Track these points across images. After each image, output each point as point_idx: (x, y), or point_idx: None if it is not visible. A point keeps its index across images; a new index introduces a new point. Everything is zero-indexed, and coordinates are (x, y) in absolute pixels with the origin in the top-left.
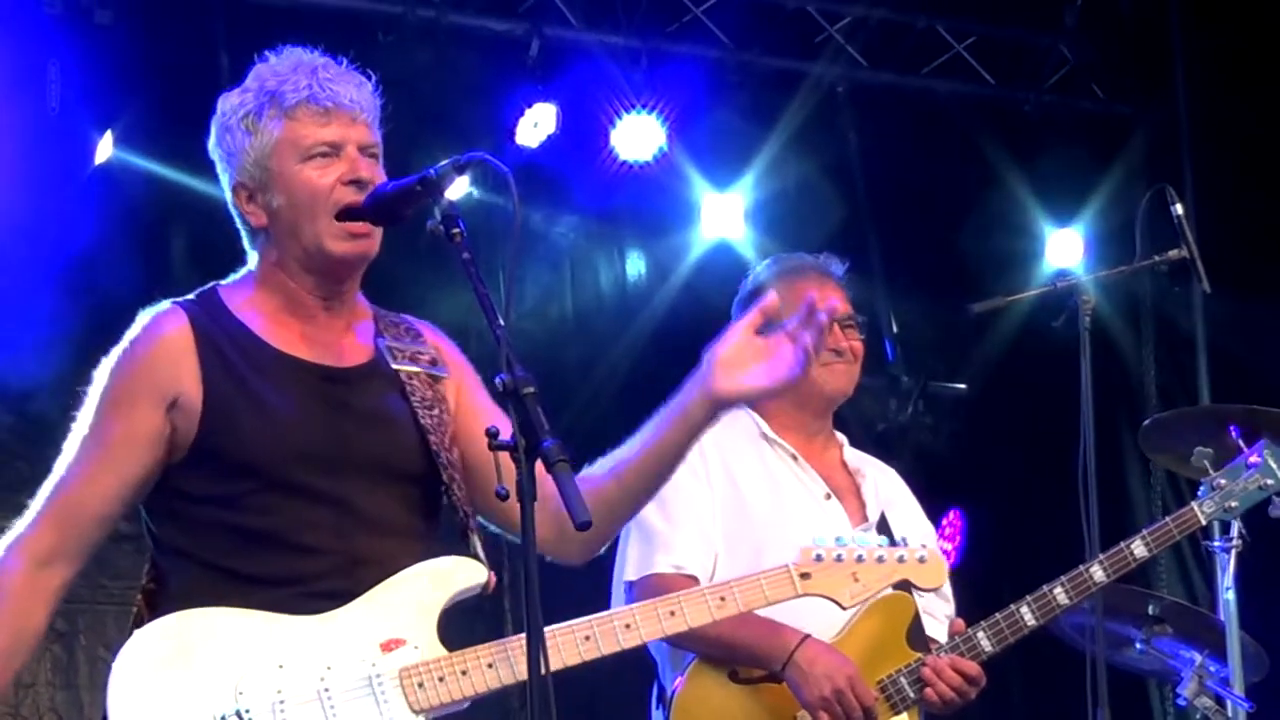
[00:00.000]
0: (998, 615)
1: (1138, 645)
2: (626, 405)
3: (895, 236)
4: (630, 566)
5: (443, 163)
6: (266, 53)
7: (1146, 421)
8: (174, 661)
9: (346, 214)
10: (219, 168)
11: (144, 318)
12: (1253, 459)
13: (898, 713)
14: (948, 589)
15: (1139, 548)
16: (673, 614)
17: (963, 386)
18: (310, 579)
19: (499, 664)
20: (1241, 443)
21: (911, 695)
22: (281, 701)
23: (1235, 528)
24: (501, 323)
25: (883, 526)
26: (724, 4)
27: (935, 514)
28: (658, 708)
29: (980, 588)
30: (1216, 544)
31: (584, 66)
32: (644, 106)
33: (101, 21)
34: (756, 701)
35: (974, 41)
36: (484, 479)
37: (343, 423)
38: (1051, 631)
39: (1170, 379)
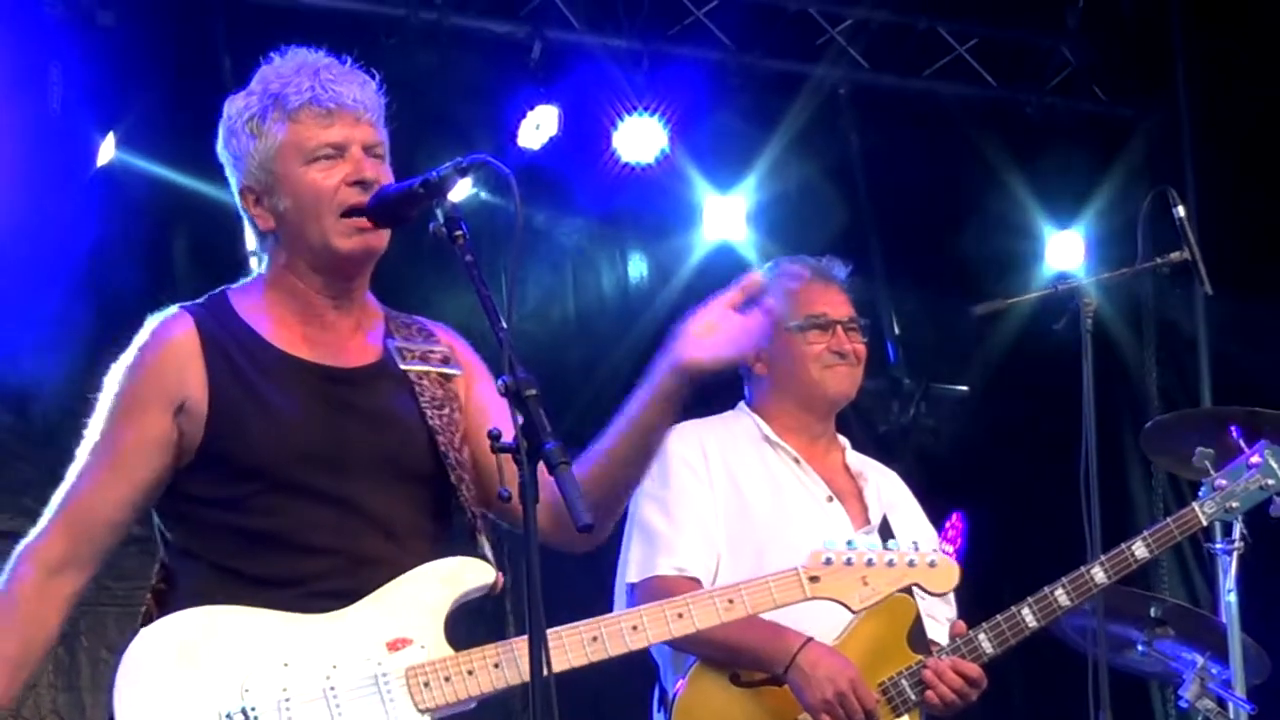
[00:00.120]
0: (999, 617)
1: (1139, 647)
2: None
3: (897, 238)
4: (632, 568)
5: (445, 165)
6: (271, 54)
7: (1148, 423)
8: (180, 659)
9: (351, 214)
10: (227, 171)
11: (151, 323)
12: (1254, 459)
13: (899, 715)
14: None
15: (1140, 549)
16: (680, 616)
17: (964, 388)
18: (315, 579)
19: (505, 664)
20: (1242, 444)
21: (913, 697)
22: (287, 700)
23: (1237, 530)
24: (504, 325)
25: (884, 530)
26: (725, 6)
27: (936, 516)
28: (659, 710)
29: (981, 589)
30: (1218, 546)
31: (586, 68)
32: (646, 108)
33: (103, 23)
34: (758, 704)
35: (975, 43)
36: (491, 477)
37: (347, 424)
38: (1053, 633)
39: (1171, 380)
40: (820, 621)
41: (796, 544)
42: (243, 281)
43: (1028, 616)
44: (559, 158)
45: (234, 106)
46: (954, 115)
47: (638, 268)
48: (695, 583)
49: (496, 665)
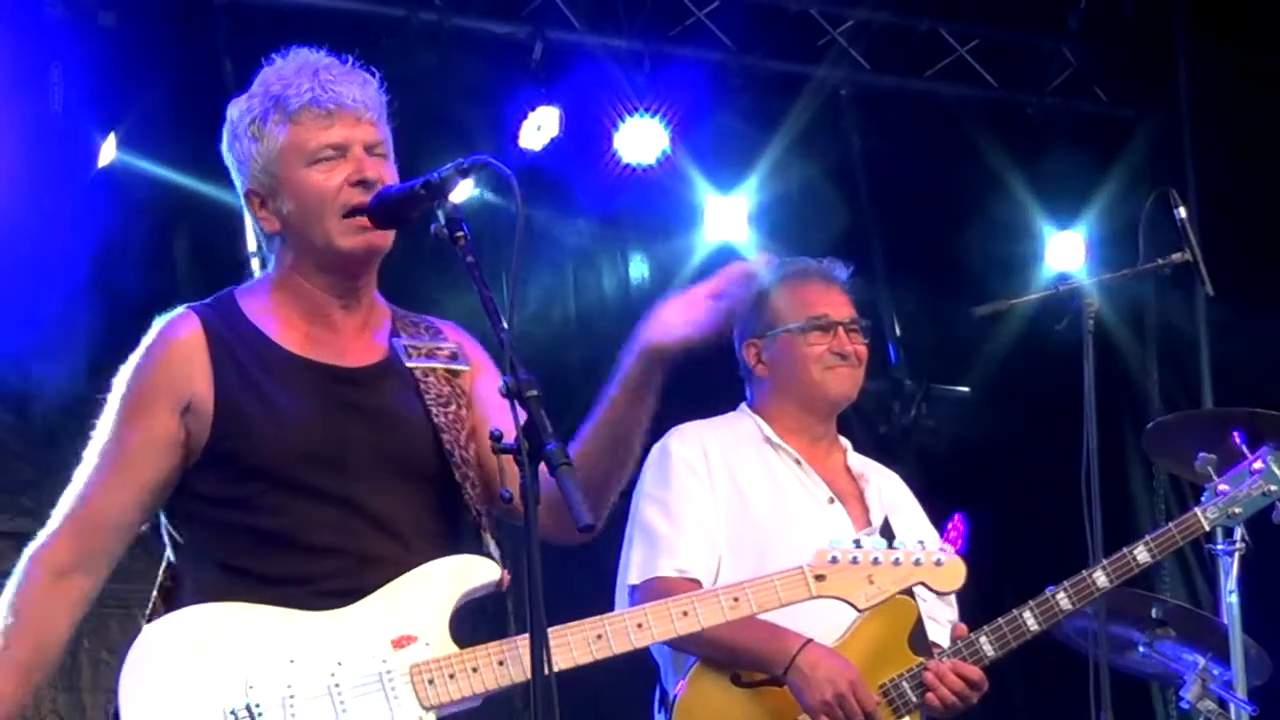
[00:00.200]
0: (1000, 620)
1: (1140, 648)
2: None
3: (898, 239)
4: (634, 570)
5: (446, 166)
6: (272, 54)
7: (1149, 425)
8: (185, 655)
9: (354, 214)
10: (232, 174)
11: (158, 324)
12: (1256, 465)
13: (900, 717)
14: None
15: (1142, 553)
16: (685, 614)
17: (965, 390)
18: (319, 579)
19: (510, 661)
20: (1244, 447)
21: (913, 699)
22: (292, 696)
23: (1238, 532)
24: (505, 326)
25: (886, 531)
26: (727, 7)
27: (938, 517)
28: (660, 711)
29: (982, 592)
30: (1219, 547)
31: (587, 69)
32: (647, 109)
33: (105, 23)
34: (758, 705)
35: (977, 44)
36: (495, 476)
37: (351, 423)
38: (1054, 635)
39: (1173, 382)
40: (821, 623)
41: (798, 545)
42: (250, 282)
43: (1029, 619)
44: (560, 159)
45: (236, 110)
46: (955, 116)
47: (639, 269)
48: (696, 584)
49: (501, 663)
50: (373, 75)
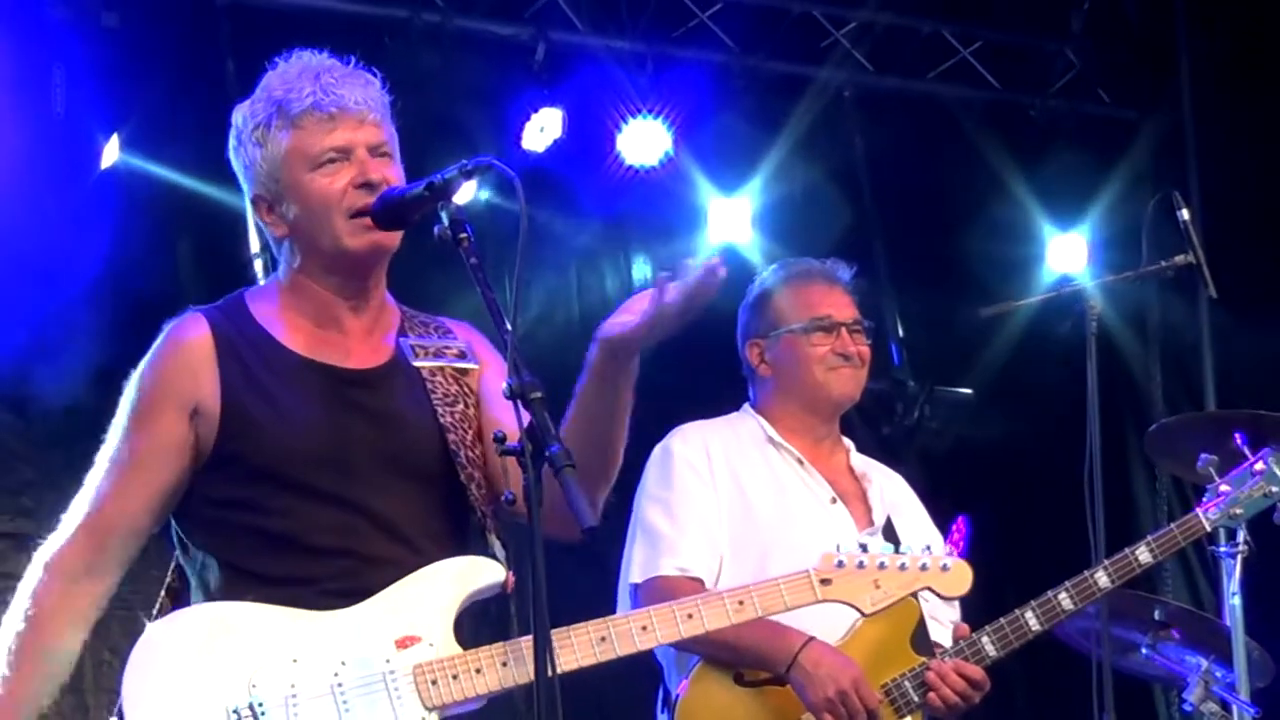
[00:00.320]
0: (1002, 620)
1: (1143, 650)
2: (632, 410)
3: (902, 241)
4: (636, 569)
5: (450, 168)
6: (275, 56)
7: (1152, 427)
8: (189, 654)
9: (359, 216)
10: (239, 179)
11: (167, 327)
12: (1258, 466)
13: (902, 717)
14: None
15: (1144, 554)
16: (690, 617)
17: (968, 391)
18: (324, 579)
19: (513, 662)
20: (1246, 449)
21: (915, 699)
22: (294, 696)
23: (1241, 534)
24: (509, 327)
25: (888, 532)
26: (730, 8)
27: (940, 518)
28: (663, 711)
29: (985, 592)
30: (1222, 549)
31: (590, 71)
32: (650, 111)
33: (108, 24)
34: (761, 704)
35: (980, 46)
36: (500, 477)
37: (356, 425)
38: (1056, 636)
39: (1175, 384)
40: (823, 622)
41: (800, 545)
42: (260, 285)
43: (1031, 620)
44: (563, 160)
45: (240, 115)
46: (958, 118)
47: (642, 270)
48: (698, 583)
49: (504, 664)
50: (375, 76)
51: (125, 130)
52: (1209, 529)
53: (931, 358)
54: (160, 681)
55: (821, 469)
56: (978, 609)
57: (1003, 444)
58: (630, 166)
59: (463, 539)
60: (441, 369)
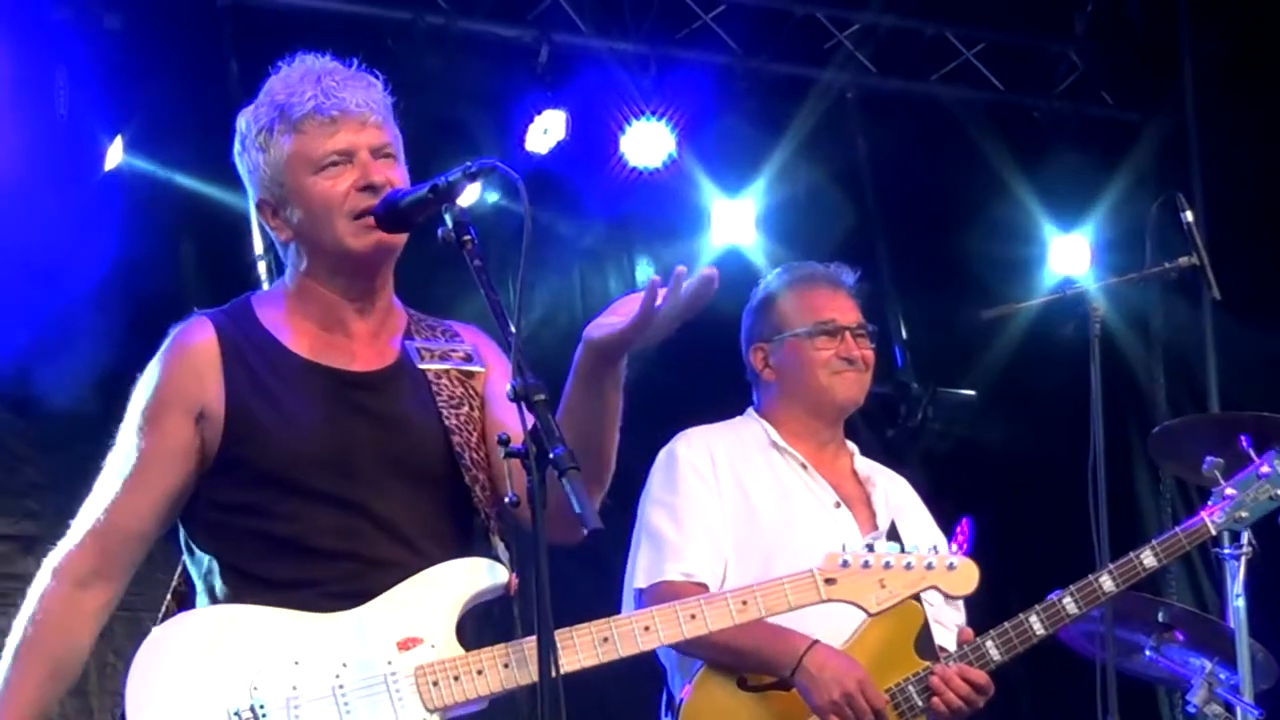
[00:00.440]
0: (1006, 624)
1: (1147, 652)
2: (636, 412)
3: (905, 242)
4: (640, 574)
5: (454, 170)
6: (278, 58)
7: (1156, 429)
8: (191, 656)
9: (362, 218)
10: (245, 183)
11: (174, 332)
12: (1264, 469)
13: None
14: None
15: (1148, 558)
16: (693, 617)
17: (972, 393)
18: (326, 583)
19: (515, 664)
20: (1251, 451)
21: (920, 704)
22: (296, 697)
23: (1245, 536)
24: (513, 329)
25: (892, 535)
26: (733, 10)
27: (944, 521)
28: (667, 714)
29: (989, 596)
30: (1226, 551)
31: (593, 73)
32: (653, 113)
33: (111, 26)
34: (765, 708)
35: (983, 48)
36: (504, 479)
37: (360, 428)
38: (1061, 639)
39: (1179, 386)
40: (827, 627)
41: (804, 550)
42: (267, 289)
43: (1035, 624)
44: (566, 162)
45: (243, 120)
46: (961, 120)
47: (646, 272)
48: (703, 588)
49: (506, 665)
50: (377, 78)
51: (128, 132)
52: (1214, 533)
53: (935, 359)
54: (162, 684)
55: (825, 473)
56: (981, 612)
57: (1006, 446)
58: (634, 168)
59: (467, 541)
60: (447, 371)
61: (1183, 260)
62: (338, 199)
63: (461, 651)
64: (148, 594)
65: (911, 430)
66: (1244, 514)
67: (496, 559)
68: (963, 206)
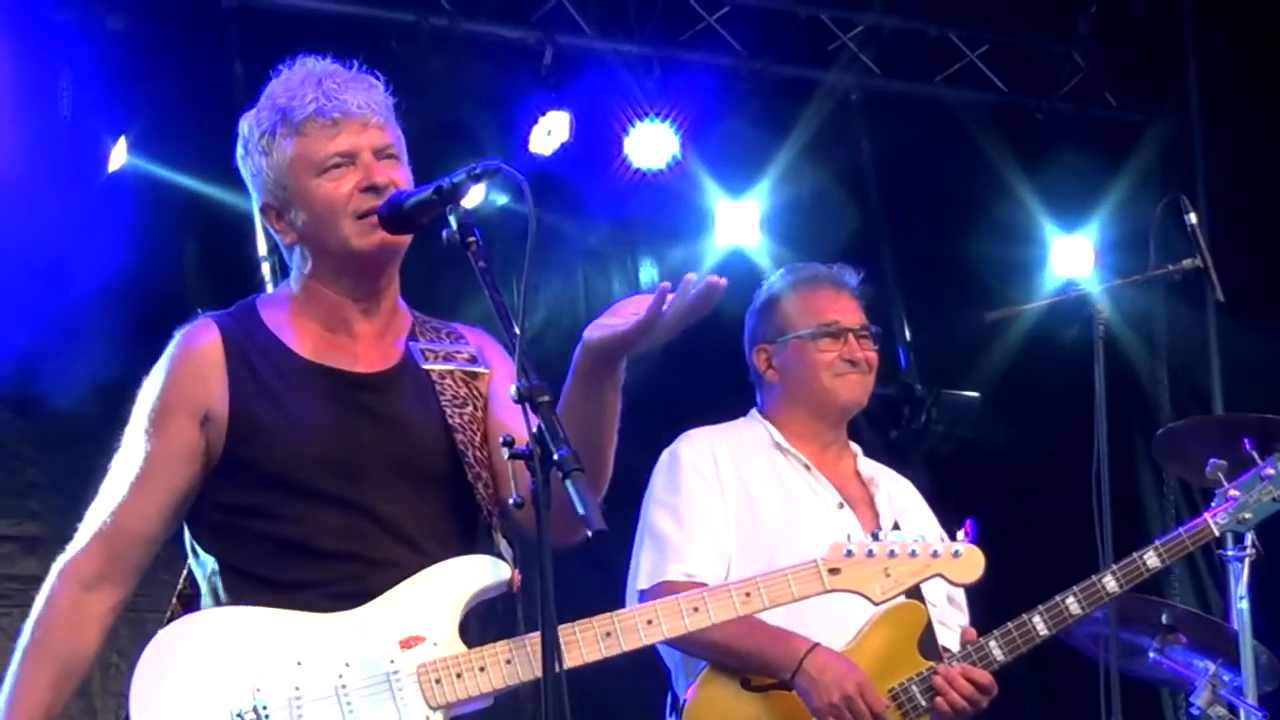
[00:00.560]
0: (1010, 624)
1: (1151, 654)
2: (639, 413)
3: (909, 244)
4: (643, 574)
5: (458, 171)
6: (281, 61)
7: (1159, 431)
8: (195, 658)
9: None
10: (249, 187)
11: (179, 334)
12: (1267, 471)
13: None
14: (962, 598)
15: (1152, 558)
16: (696, 610)
17: (975, 394)
18: (329, 583)
19: (518, 660)
20: (1255, 454)
21: (923, 703)
22: (299, 698)
23: (1249, 537)
24: (518, 331)
25: None
26: (737, 12)
27: (947, 521)
28: (671, 715)
29: (992, 597)
30: (1230, 553)
31: (597, 74)
32: (657, 114)
33: (114, 28)
34: (768, 709)
35: (987, 50)
36: (507, 480)
37: (364, 429)
38: (1064, 640)
39: (1183, 388)
40: (831, 628)
41: (807, 550)
42: (272, 291)
43: (1039, 624)
44: (570, 164)
45: (246, 124)
46: (965, 121)
47: (649, 274)
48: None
49: (509, 661)
50: (378, 79)
51: (132, 133)
52: (1218, 534)
53: (938, 361)
54: (166, 685)
55: (829, 474)
56: (985, 613)
57: (1009, 448)
58: (637, 170)
59: (470, 541)
60: (451, 372)
61: (1186, 262)
62: (341, 200)
63: (464, 649)
64: (151, 595)
65: (915, 432)
66: (1247, 515)
67: (499, 556)
68: (966, 208)
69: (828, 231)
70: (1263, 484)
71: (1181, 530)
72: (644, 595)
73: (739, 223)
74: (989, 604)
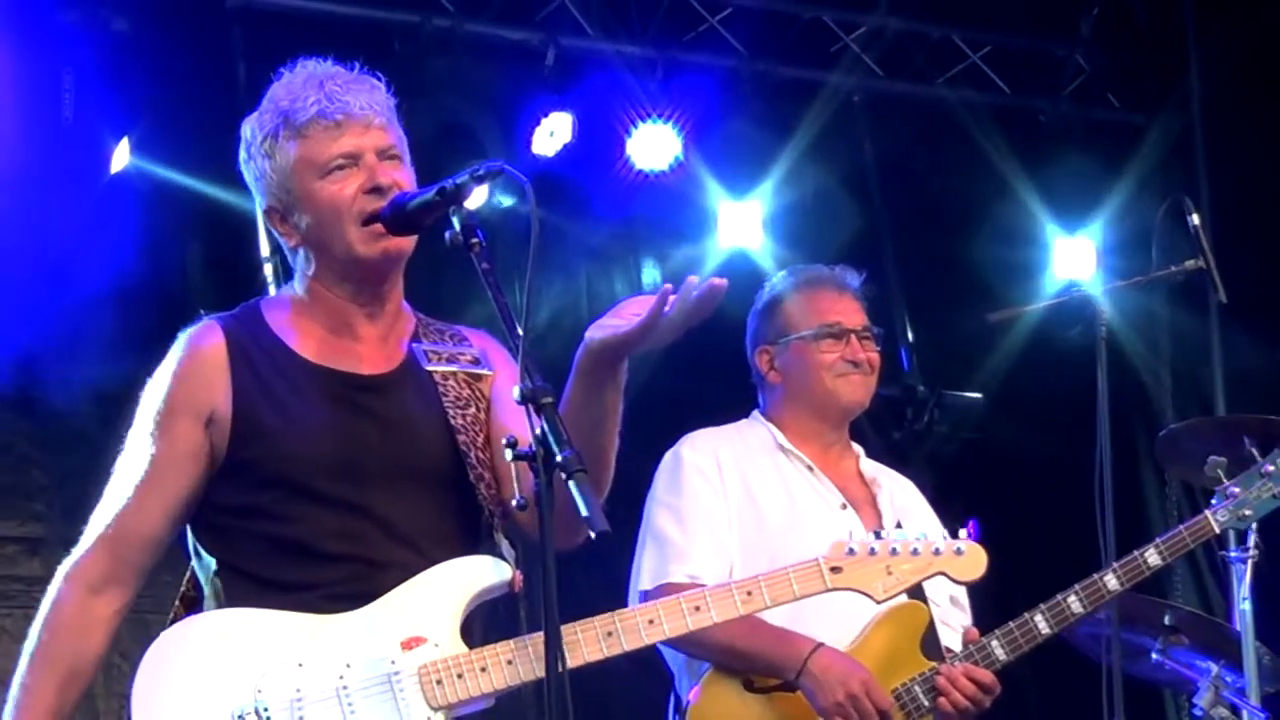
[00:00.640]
0: (1012, 624)
1: (1153, 655)
2: (642, 415)
3: (912, 245)
4: (646, 576)
5: (461, 173)
6: (284, 63)
7: (1161, 432)
8: (196, 659)
9: (371, 222)
10: (252, 191)
11: (183, 336)
12: (1267, 468)
13: None
14: (964, 598)
15: (1153, 556)
16: (698, 609)
17: (978, 395)
18: (331, 585)
19: (519, 661)
20: (1257, 454)
21: (926, 704)
22: (300, 699)
23: (1251, 538)
24: (521, 332)
25: None
26: (740, 13)
27: (950, 522)
28: (674, 717)
29: (994, 596)
30: (1232, 554)
31: (600, 76)
32: (660, 115)
33: (118, 29)
34: (772, 710)
35: (989, 51)
36: (510, 482)
37: (367, 431)
38: (1067, 641)
39: (1185, 389)
40: (834, 629)
41: (810, 551)
42: (276, 294)
43: (1041, 623)
44: (573, 165)
45: (249, 128)
46: (968, 122)
47: (652, 275)
48: None
49: (510, 662)
50: (379, 80)
51: (135, 134)
52: (1218, 530)
53: (941, 362)
54: (167, 687)
55: (831, 475)
56: (987, 612)
57: (1012, 449)
58: (640, 171)
59: (473, 542)
60: (454, 374)
61: (1189, 263)
62: (345, 203)
63: (465, 650)
64: (154, 595)
65: (917, 432)
66: (1247, 512)
67: (501, 558)
68: (969, 209)
69: (830, 233)
70: (1263, 481)
71: (1182, 527)
72: (646, 596)
73: (741, 224)
74: (991, 604)
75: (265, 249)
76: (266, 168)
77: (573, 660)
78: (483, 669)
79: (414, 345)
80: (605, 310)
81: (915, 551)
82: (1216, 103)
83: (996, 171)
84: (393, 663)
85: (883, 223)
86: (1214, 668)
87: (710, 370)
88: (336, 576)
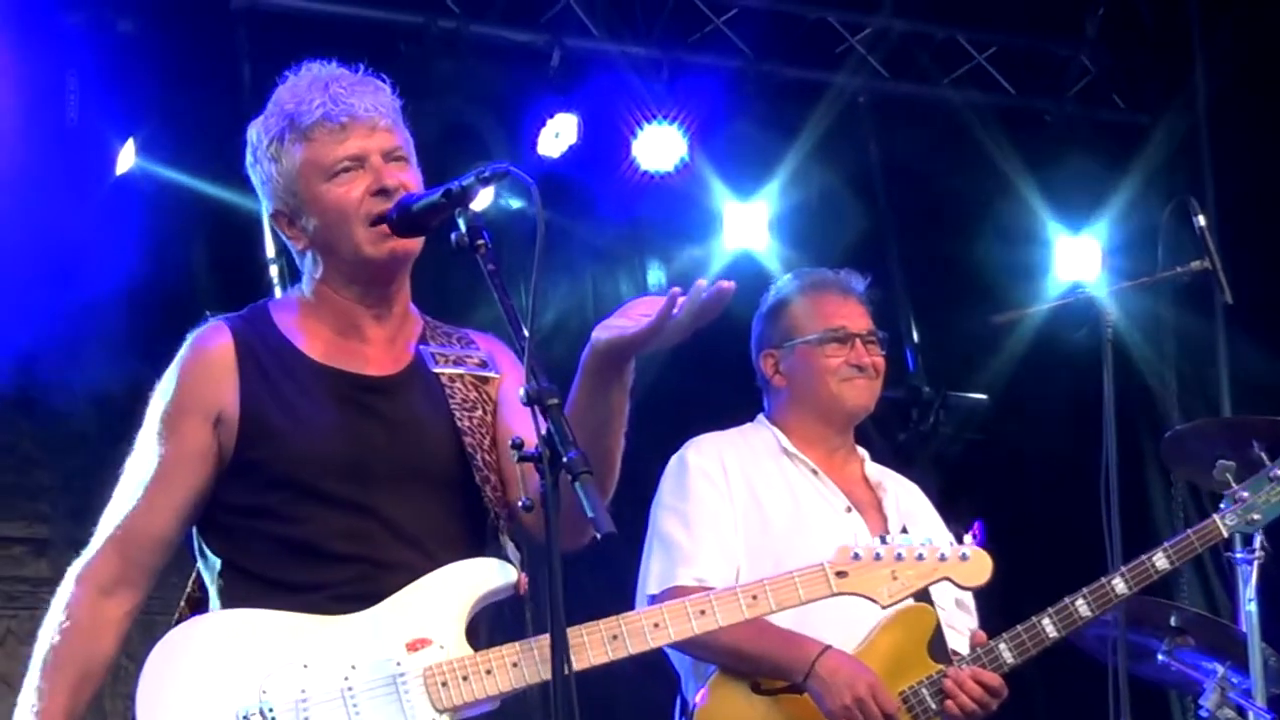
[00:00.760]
0: (1019, 627)
1: (1160, 657)
2: (648, 416)
3: (917, 246)
4: (652, 580)
5: (467, 174)
6: (291, 65)
7: (1168, 434)
8: (201, 660)
9: (377, 223)
10: (259, 194)
11: (191, 337)
12: (1275, 471)
13: None
14: (970, 602)
15: (1160, 560)
16: (703, 613)
17: (983, 397)
18: (337, 586)
19: (524, 663)
20: (1264, 456)
21: (933, 706)
22: (305, 700)
23: (1257, 540)
24: (526, 333)
25: None
26: (745, 14)
27: (955, 524)
28: (681, 719)
29: (1000, 597)
30: (1238, 555)
31: (605, 77)
32: (665, 117)
33: (123, 30)
34: (779, 712)
35: (994, 51)
36: (515, 484)
37: (374, 432)
38: (1073, 642)
39: (1191, 390)
40: (840, 632)
41: (816, 555)
42: (284, 295)
43: (1048, 627)
44: (578, 166)
45: (254, 132)
46: (973, 123)
47: (657, 276)
48: None
49: (515, 664)
50: (384, 81)
51: (140, 136)
52: (1226, 534)
53: (946, 363)
54: (172, 687)
55: (836, 479)
56: (994, 615)
57: (1017, 450)
58: (646, 172)
59: (479, 543)
60: (461, 376)
61: (1195, 264)
62: (352, 205)
63: (470, 652)
64: (160, 596)
65: (923, 434)
66: (1256, 516)
67: (506, 559)
68: (974, 210)
69: (836, 234)
70: (1271, 485)
71: (1189, 531)
72: (654, 600)
73: (747, 225)
74: (998, 606)
75: (271, 250)
76: (273, 171)
77: (578, 663)
78: (488, 671)
79: (421, 347)
80: (611, 311)
81: (920, 557)
82: (1222, 103)
83: (1001, 172)
84: (398, 664)
85: (888, 224)
86: (1220, 669)
87: (716, 371)
88: (343, 577)
